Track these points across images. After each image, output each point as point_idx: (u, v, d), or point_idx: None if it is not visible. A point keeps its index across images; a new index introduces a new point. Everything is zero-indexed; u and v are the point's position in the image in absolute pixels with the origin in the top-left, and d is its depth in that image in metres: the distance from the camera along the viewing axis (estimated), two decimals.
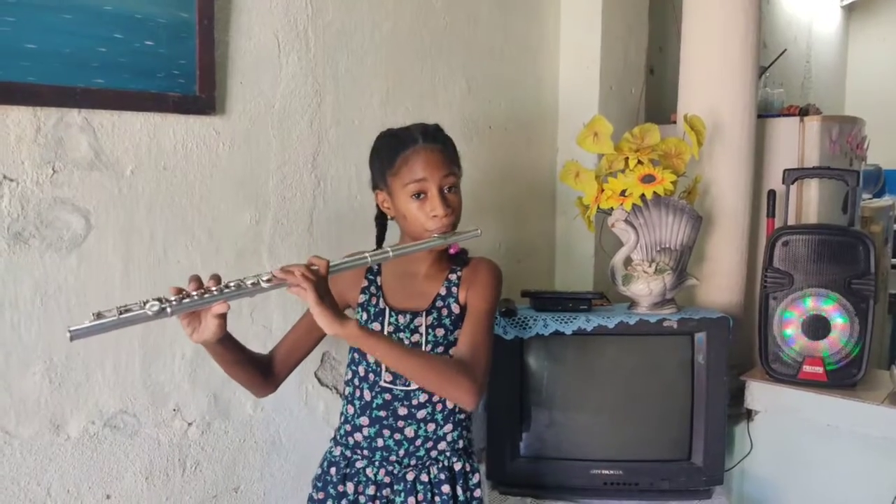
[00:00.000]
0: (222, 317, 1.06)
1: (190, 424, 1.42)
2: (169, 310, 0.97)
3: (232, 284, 1.03)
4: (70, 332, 0.92)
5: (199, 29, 1.34)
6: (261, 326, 1.49)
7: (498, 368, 1.70)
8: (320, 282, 1.06)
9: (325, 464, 1.36)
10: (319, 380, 1.62)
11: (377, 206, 1.36)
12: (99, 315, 0.94)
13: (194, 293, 1.00)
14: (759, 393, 1.86)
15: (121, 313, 0.94)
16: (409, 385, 1.28)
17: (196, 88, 1.35)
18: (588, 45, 2.16)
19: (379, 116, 1.70)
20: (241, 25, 1.44)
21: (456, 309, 1.32)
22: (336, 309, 1.08)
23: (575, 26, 2.19)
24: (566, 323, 1.71)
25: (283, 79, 1.51)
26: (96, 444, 1.30)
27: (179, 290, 1.00)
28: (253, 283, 1.03)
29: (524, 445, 1.73)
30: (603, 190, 1.75)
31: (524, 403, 1.73)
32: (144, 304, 0.96)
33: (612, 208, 1.75)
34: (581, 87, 2.18)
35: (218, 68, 1.39)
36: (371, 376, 1.31)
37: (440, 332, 1.30)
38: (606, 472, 1.72)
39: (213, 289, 1.01)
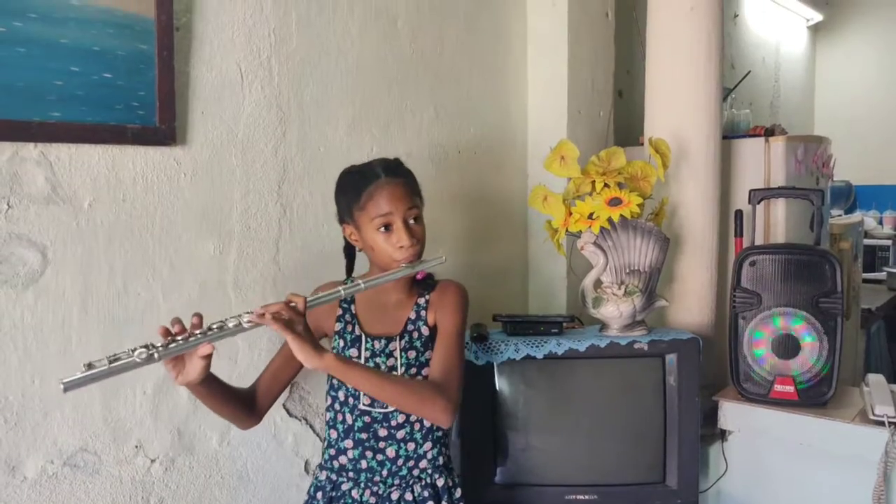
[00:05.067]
0: (207, 358, 1.10)
1: (153, 461, 1.39)
2: (157, 355, 1.01)
3: (215, 326, 1.07)
4: (63, 384, 0.95)
5: (159, 60, 1.33)
6: (226, 359, 1.47)
7: (470, 394, 1.69)
8: (299, 318, 1.12)
9: (312, 489, 1.40)
10: (288, 411, 1.60)
11: (345, 238, 1.42)
12: (90, 365, 0.97)
13: (179, 337, 1.04)
14: (731, 413, 1.86)
15: (111, 362, 0.98)
16: (386, 407, 1.33)
17: (156, 119, 1.34)
18: (555, 71, 2.18)
19: (345, 143, 1.70)
20: (203, 56, 1.43)
21: (425, 331, 1.38)
22: (314, 342, 1.13)
23: (542, 52, 2.21)
24: (537, 347, 1.70)
25: (246, 108, 1.51)
26: (55, 484, 1.27)
27: (167, 332, 1.05)
28: (235, 325, 1.08)
29: (499, 472, 1.71)
30: (571, 213, 1.75)
31: (497, 429, 1.72)
32: (133, 351, 1.00)
33: (580, 231, 1.76)
34: (549, 111, 2.20)
35: (178, 99, 1.38)
36: (351, 400, 1.35)
37: (412, 354, 1.36)
38: (581, 497, 1.70)
39: (198, 332, 1.06)
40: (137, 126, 1.32)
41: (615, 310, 1.76)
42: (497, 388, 1.72)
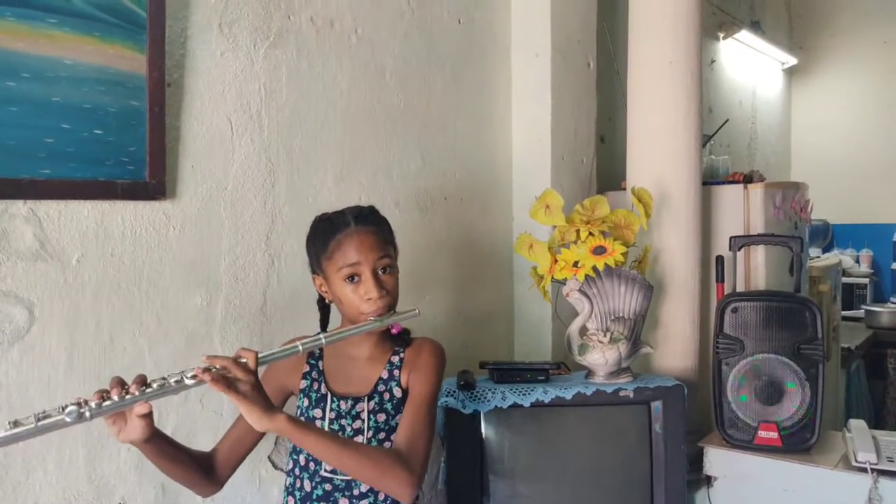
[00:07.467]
0: (147, 416, 1.05)
1: None
2: (88, 414, 0.96)
3: (154, 384, 1.01)
4: None
5: (150, 116, 1.35)
6: (211, 412, 1.46)
7: (457, 443, 1.70)
8: (247, 376, 1.04)
9: None
10: (273, 463, 1.59)
11: (317, 290, 1.36)
12: (15, 423, 0.91)
13: (115, 395, 0.99)
14: (716, 459, 1.87)
15: (38, 420, 0.92)
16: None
17: (146, 174, 1.35)
18: (539, 119, 2.23)
19: (334, 193, 1.72)
20: (194, 111, 1.45)
21: (398, 393, 1.31)
22: (265, 403, 1.05)
23: (526, 101, 2.26)
24: (524, 395, 1.70)
25: (235, 160, 1.52)
26: None
27: (101, 394, 0.99)
28: (177, 381, 1.02)
29: None
30: (556, 261, 1.78)
31: (484, 478, 1.71)
32: (63, 409, 0.94)
33: (565, 278, 1.78)
34: (534, 158, 2.24)
35: (169, 153, 1.39)
36: (311, 465, 1.28)
37: (382, 417, 1.29)
38: None
39: (135, 390, 1.00)
40: (127, 181, 1.33)
41: (601, 357, 1.78)
42: (484, 435, 1.72)
